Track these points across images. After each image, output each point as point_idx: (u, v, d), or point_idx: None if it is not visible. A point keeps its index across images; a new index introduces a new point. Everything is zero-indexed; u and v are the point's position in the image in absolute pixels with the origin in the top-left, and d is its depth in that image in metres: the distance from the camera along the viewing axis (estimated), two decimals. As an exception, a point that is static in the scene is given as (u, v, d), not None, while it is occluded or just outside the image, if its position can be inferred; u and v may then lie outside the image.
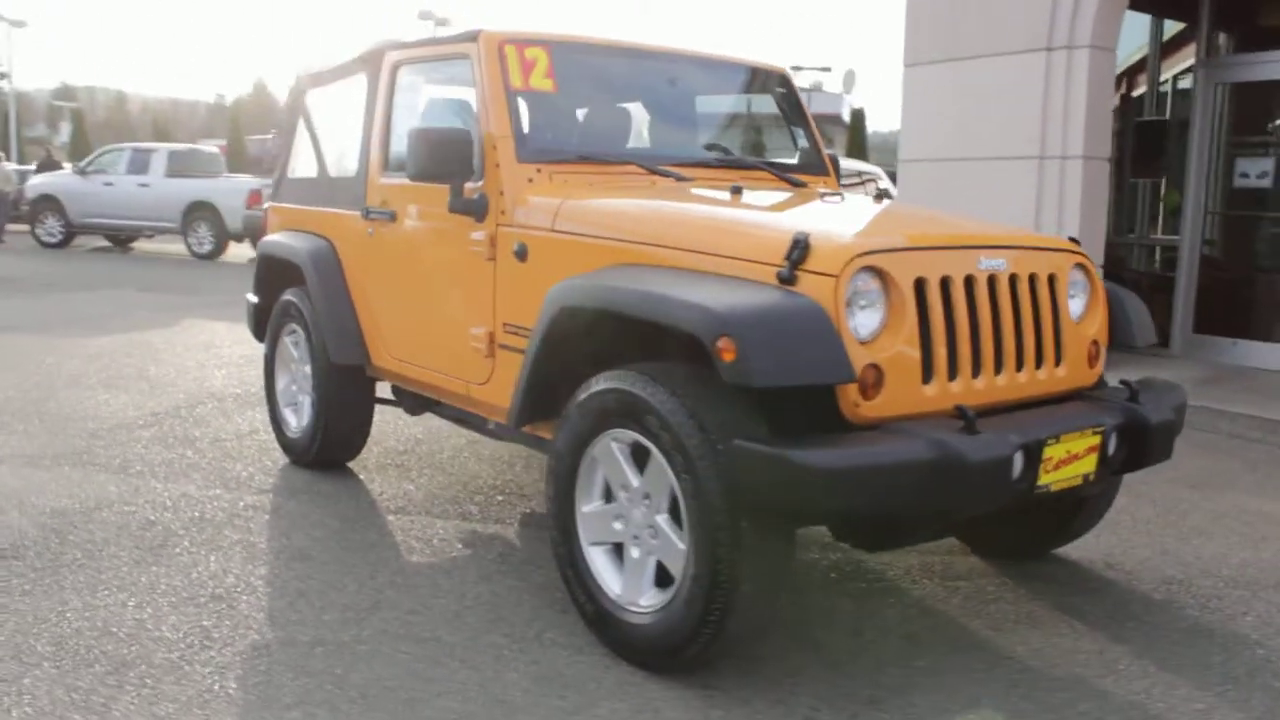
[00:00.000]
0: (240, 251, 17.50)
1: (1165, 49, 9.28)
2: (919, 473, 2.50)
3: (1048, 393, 3.09)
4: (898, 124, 8.68)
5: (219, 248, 16.49)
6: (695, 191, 3.41)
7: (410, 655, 2.89)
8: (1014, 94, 7.40)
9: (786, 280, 2.64)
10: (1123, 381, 3.21)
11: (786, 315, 2.53)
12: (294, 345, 4.79)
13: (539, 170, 3.49)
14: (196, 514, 4.05)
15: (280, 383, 4.90)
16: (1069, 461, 2.84)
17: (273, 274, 4.94)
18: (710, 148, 4.23)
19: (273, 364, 4.92)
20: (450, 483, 4.59)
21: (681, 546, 2.70)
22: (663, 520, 2.79)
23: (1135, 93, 9.69)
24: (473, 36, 3.68)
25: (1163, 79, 9.36)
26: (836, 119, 38.31)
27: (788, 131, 4.33)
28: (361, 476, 4.66)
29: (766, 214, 3.05)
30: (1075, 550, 3.86)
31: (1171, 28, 9.14)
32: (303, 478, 4.57)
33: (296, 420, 4.78)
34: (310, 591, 3.32)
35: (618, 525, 2.95)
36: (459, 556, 3.68)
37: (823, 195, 3.40)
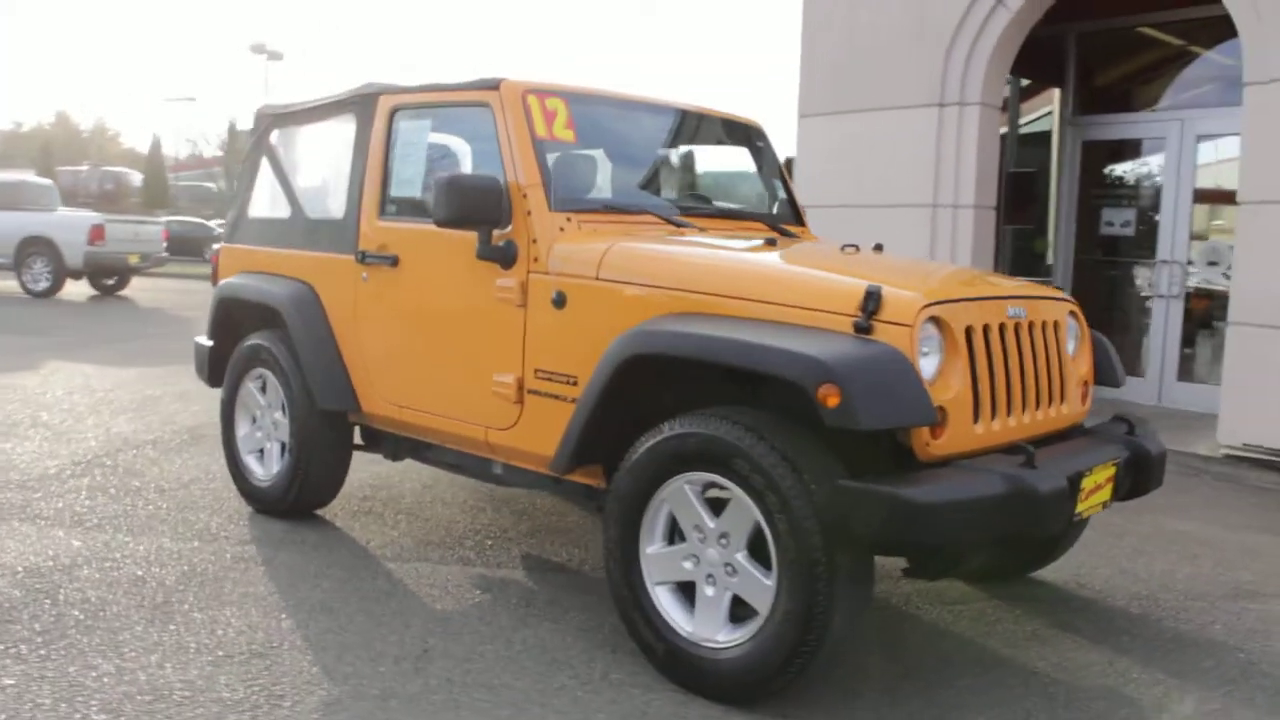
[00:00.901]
0: (78, 289, 16.47)
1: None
2: (1000, 504, 2.72)
3: (1055, 429, 3.40)
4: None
5: (56, 284, 15.44)
6: (732, 243, 3.57)
7: (490, 703, 2.89)
8: (908, 146, 7.93)
9: (863, 330, 2.82)
10: (1118, 417, 3.56)
11: (881, 363, 2.71)
12: (259, 391, 4.64)
13: (569, 219, 3.56)
14: (185, 568, 3.87)
15: (241, 429, 4.73)
16: (1095, 491, 3.13)
17: (234, 318, 4.77)
18: (697, 198, 4.41)
19: (232, 410, 4.74)
20: (431, 528, 4.54)
21: (768, 583, 2.82)
22: (742, 558, 2.91)
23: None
24: (493, 85, 3.73)
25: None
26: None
27: (763, 182, 4.54)
28: (339, 525, 4.54)
29: (824, 267, 3.23)
30: (1045, 573, 4.19)
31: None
32: (278, 528, 4.42)
33: (264, 468, 4.62)
34: (351, 644, 3.24)
35: (687, 565, 3.04)
36: (483, 602, 3.66)
37: (843, 248, 3.62)
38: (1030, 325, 3.27)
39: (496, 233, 3.57)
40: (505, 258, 3.56)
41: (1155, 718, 2.98)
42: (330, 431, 4.37)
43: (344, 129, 4.38)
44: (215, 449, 5.84)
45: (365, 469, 5.39)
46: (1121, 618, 3.79)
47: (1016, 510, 2.75)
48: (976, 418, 3.00)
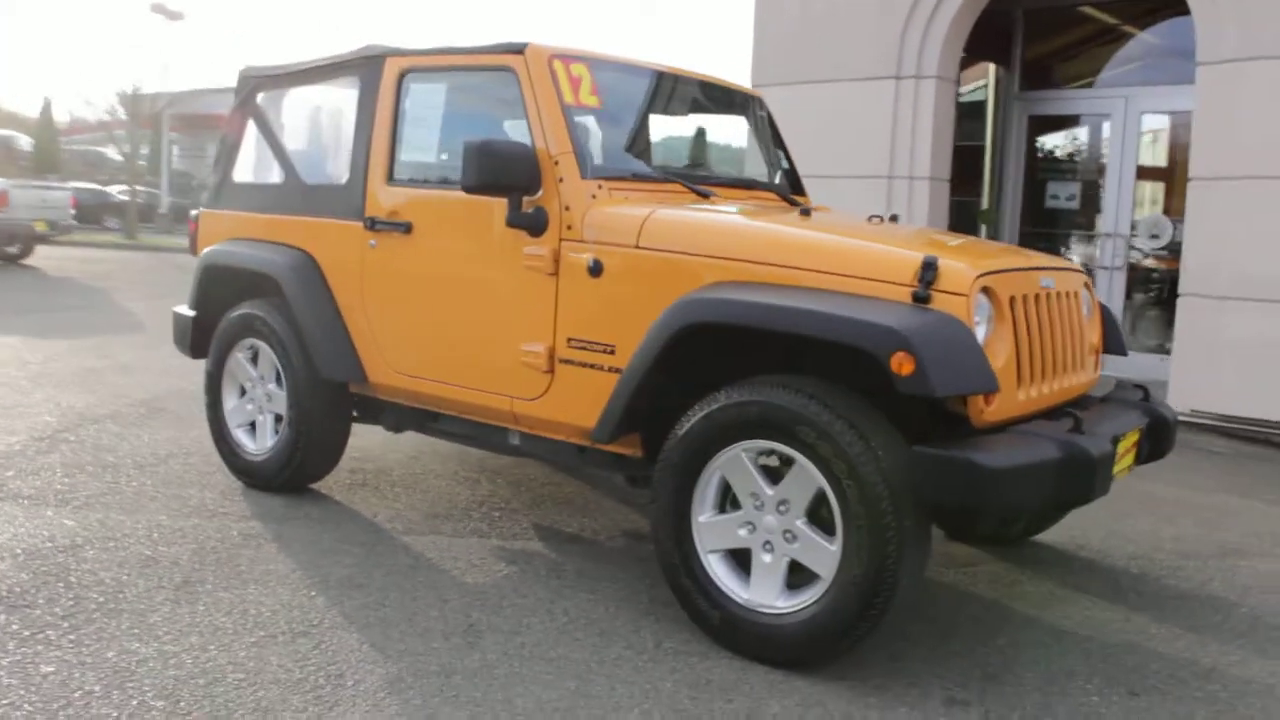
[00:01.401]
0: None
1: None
2: (1058, 468, 2.80)
3: (1076, 395, 3.50)
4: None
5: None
6: (769, 212, 3.56)
7: (554, 674, 2.86)
8: (863, 117, 8.03)
9: (922, 299, 2.85)
10: (1134, 384, 3.69)
11: (949, 332, 2.75)
12: (249, 362, 4.48)
13: (600, 186, 3.51)
14: (193, 547, 3.73)
15: (229, 403, 4.56)
16: (1124, 455, 3.24)
17: (220, 286, 4.59)
18: (709, 166, 4.40)
19: (219, 383, 4.57)
20: (433, 501, 4.46)
21: (832, 548, 2.86)
22: (802, 524, 2.94)
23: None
24: (518, 49, 3.64)
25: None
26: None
27: (769, 152, 4.55)
28: (337, 499, 4.43)
29: (870, 237, 3.25)
30: (1043, 535, 4.33)
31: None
32: (276, 503, 4.29)
33: (256, 442, 4.47)
34: (393, 620, 3.18)
35: (743, 532, 3.05)
36: (511, 574, 3.62)
37: (870, 217, 3.65)
38: (1058, 295, 3.36)
39: (526, 200, 3.51)
40: (535, 225, 3.50)
41: (1187, 669, 3.11)
42: (331, 403, 4.25)
43: (344, 92, 4.23)
44: (179, 423, 5.66)
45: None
46: (1125, 577, 3.94)
47: (1073, 474, 2.83)
48: (1019, 384, 3.07)
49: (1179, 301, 6.65)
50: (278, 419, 4.41)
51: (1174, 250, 7.77)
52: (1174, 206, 8.20)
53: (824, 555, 2.89)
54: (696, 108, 4.38)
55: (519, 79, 3.62)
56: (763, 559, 3.02)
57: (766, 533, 3.01)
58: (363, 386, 4.20)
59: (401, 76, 3.99)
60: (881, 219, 3.68)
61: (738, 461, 3.02)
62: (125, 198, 25.55)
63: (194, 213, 4.91)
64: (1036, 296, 3.21)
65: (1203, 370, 6.53)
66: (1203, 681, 3.04)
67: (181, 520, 4.02)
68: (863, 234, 3.29)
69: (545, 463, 5.13)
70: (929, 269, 2.87)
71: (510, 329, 3.63)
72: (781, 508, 2.97)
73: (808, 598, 2.93)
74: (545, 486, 4.80)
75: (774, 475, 3.02)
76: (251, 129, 4.64)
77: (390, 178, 3.99)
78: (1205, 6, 6.44)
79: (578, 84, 3.67)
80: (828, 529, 2.90)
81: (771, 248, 3.14)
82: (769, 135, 4.56)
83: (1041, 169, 8.84)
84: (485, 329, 3.71)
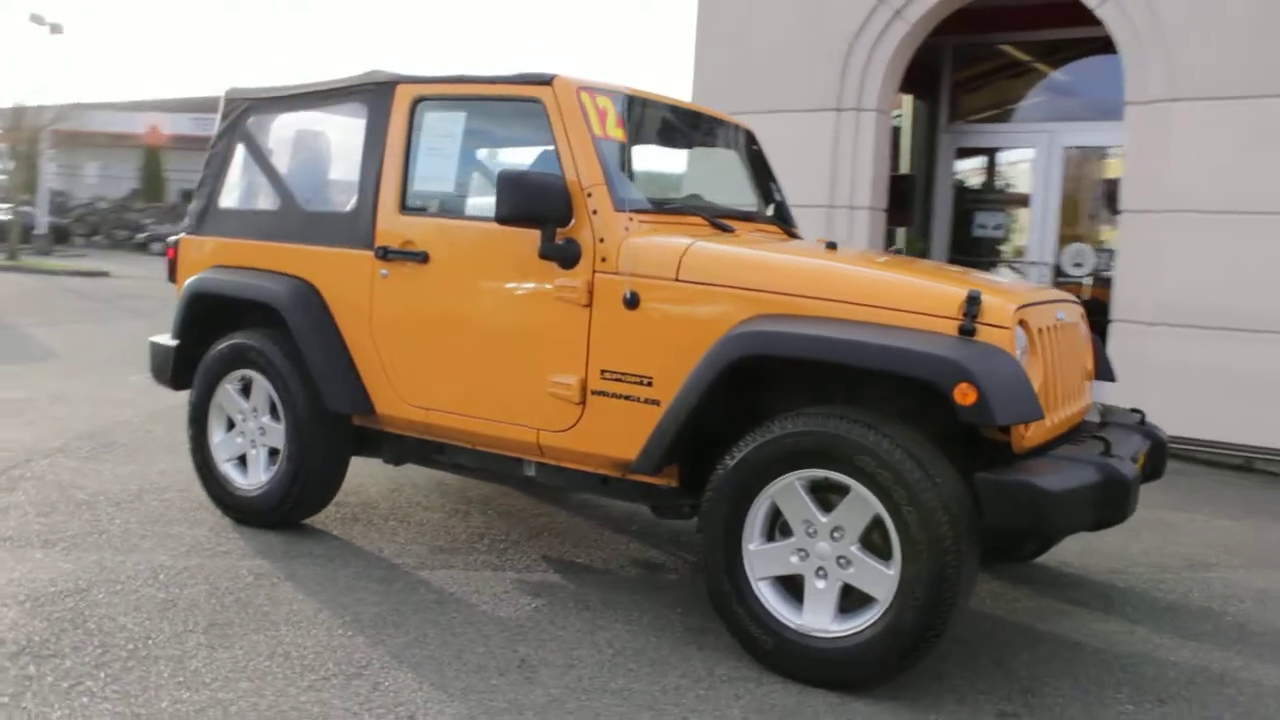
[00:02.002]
0: None
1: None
2: (1101, 491, 2.96)
3: (1079, 420, 3.70)
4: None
5: None
6: (799, 246, 3.65)
7: (625, 707, 2.87)
8: (804, 148, 8.24)
9: (968, 332, 2.99)
10: (1132, 409, 3.91)
11: (1003, 363, 2.89)
12: (241, 394, 4.35)
13: (630, 218, 3.56)
14: (206, 587, 3.60)
15: (215, 436, 4.41)
16: (1137, 476, 3.44)
17: (208, 315, 4.45)
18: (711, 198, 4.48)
19: (205, 415, 4.42)
20: (433, 534, 4.41)
21: (889, 572, 2.95)
22: (856, 550, 3.02)
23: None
24: (545, 80, 3.66)
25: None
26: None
27: (763, 185, 4.65)
28: (336, 534, 4.33)
29: (907, 271, 3.37)
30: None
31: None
32: (275, 540, 4.17)
33: (248, 476, 4.34)
34: (441, 658, 3.13)
35: (794, 559, 3.12)
36: (542, 607, 3.60)
37: (889, 249, 3.79)
38: (1067, 326, 3.55)
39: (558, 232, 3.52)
40: (567, 257, 3.52)
41: (1201, 676, 3.31)
42: (333, 436, 4.16)
43: (348, 118, 4.18)
44: (137, 456, 5.45)
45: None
46: (1113, 590, 4.16)
47: (1113, 496, 3.00)
48: (1047, 412, 3.23)
49: (1111, 327, 7.03)
50: (272, 453, 4.30)
51: (1097, 277, 8.21)
52: (1091, 235, 8.67)
53: (881, 579, 2.98)
54: (698, 140, 4.46)
55: (547, 110, 3.64)
56: (816, 585, 3.10)
57: (820, 559, 3.08)
58: (367, 419, 4.13)
59: (415, 104, 3.96)
60: (834, 244, 3.79)
61: (791, 490, 3.09)
62: (7, 217, 24.27)
63: (172, 239, 4.74)
64: (1053, 328, 3.38)
65: (1131, 392, 6.89)
66: (1219, 686, 3.24)
67: (183, 560, 3.87)
68: (897, 268, 3.42)
69: (531, 493, 5.12)
70: (973, 303, 3.01)
71: (538, 361, 3.63)
72: (835, 534, 3.06)
73: (863, 621, 3.01)
74: (536, 517, 4.78)
75: (823, 503, 3.10)
76: (240, 153, 4.52)
77: (403, 206, 3.95)
78: (1133, 51, 6.86)
79: (604, 116, 3.71)
80: (880, 553, 3.00)
81: (815, 282, 3.23)
82: (762, 167, 4.67)
83: (969, 199, 9.24)
84: (510, 361, 3.70)
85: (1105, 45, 7.82)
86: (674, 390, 3.35)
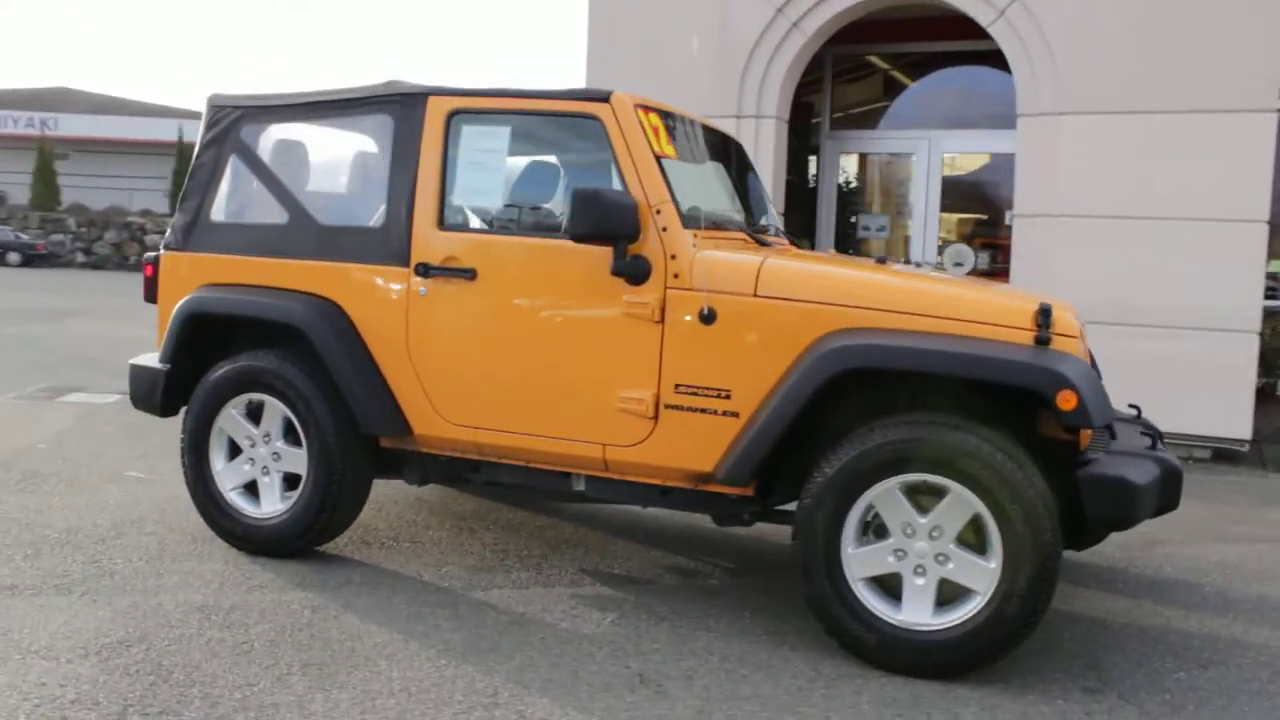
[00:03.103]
0: None
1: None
2: (1164, 481, 3.29)
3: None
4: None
5: None
6: (857, 261, 3.82)
7: (768, 711, 2.96)
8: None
9: (1044, 341, 3.25)
10: (1130, 405, 4.31)
11: (1086, 370, 3.16)
12: (245, 419, 4.12)
13: (695, 235, 3.63)
14: (268, 625, 3.41)
15: (217, 464, 4.16)
16: (1153, 465, 3.82)
17: (205, 337, 4.18)
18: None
19: (205, 443, 4.16)
20: (458, 553, 4.32)
21: (991, 566, 3.17)
22: (955, 547, 3.23)
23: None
24: (602, 97, 3.68)
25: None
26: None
27: (759, 196, 4.79)
28: (358, 558, 4.18)
29: (978, 286, 3.60)
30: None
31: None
32: (304, 569, 3.98)
33: (261, 505, 4.11)
34: (560, 680, 3.11)
35: (891, 559, 3.30)
36: (618, 620, 3.62)
37: (917, 264, 4.02)
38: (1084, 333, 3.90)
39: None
40: (638, 273, 3.56)
41: (1219, 642, 3.71)
42: (362, 459, 4.02)
43: (369, 129, 4.04)
44: (76, 486, 5.16)
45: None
46: (1103, 570, 4.54)
47: (1172, 486, 3.35)
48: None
49: (1006, 322, 7.59)
50: (287, 479, 4.10)
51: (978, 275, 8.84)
52: (971, 236, 9.33)
53: (981, 573, 3.19)
54: (711, 153, 4.56)
55: (606, 127, 3.66)
56: (915, 582, 3.28)
57: (918, 557, 3.27)
58: (398, 440, 4.01)
59: (450, 117, 3.87)
60: (885, 259, 4.03)
61: (891, 494, 3.26)
62: None
63: (150, 254, 4.42)
64: (1081, 333, 3.71)
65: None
66: (1240, 650, 3.63)
67: (222, 597, 3.65)
68: (963, 283, 3.65)
69: (520, 506, 5.10)
70: (1046, 314, 3.27)
71: (605, 376, 3.65)
72: (934, 533, 3.25)
73: (964, 613, 3.22)
74: (542, 530, 4.76)
75: (915, 504, 3.28)
76: (235, 163, 4.26)
77: (441, 222, 3.86)
78: (1023, 66, 7.44)
79: (657, 133, 3.76)
80: (976, 549, 3.22)
81: (893, 296, 3.41)
82: (755, 177, 4.82)
83: (853, 202, 9.72)
84: (573, 377, 3.69)
85: (985, 58, 8.44)
86: (753, 402, 3.47)
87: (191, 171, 4.33)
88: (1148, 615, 3.97)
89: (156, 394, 4.27)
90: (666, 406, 3.59)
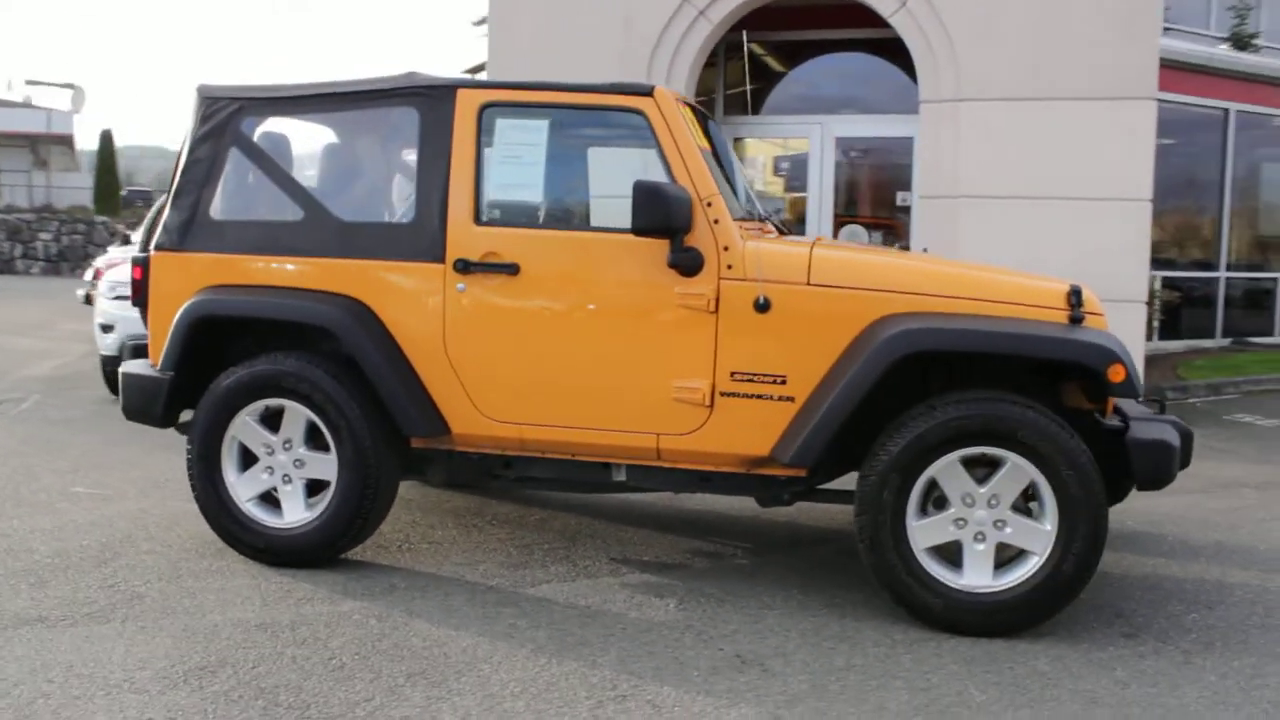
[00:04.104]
0: None
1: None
2: (1184, 443, 3.64)
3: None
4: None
5: None
6: (887, 249, 3.99)
7: (873, 679, 3.12)
8: (616, 139, 8.53)
9: (1078, 320, 3.54)
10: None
11: (1121, 345, 3.45)
12: (262, 425, 3.94)
13: (740, 225, 3.73)
14: (345, 639, 3.31)
15: (229, 475, 3.96)
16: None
17: (212, 341, 3.96)
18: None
19: (216, 453, 3.95)
20: (482, 551, 4.27)
21: (1046, 528, 3.43)
22: (1012, 514, 3.47)
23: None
24: (645, 91, 3.72)
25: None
26: (68, 139, 35.45)
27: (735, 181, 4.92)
28: (384, 562, 4.07)
29: (1004, 270, 3.84)
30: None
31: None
32: (337, 578, 3.86)
33: (284, 514, 3.95)
34: (671, 667, 3.17)
35: (952, 528, 3.51)
36: (680, 605, 3.69)
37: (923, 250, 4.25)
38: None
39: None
40: (692, 265, 3.63)
41: (1212, 586, 4.12)
42: (393, 461, 3.93)
43: (391, 123, 3.93)
44: (36, 505, 4.74)
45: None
46: (1151, 552, 4.81)
47: (1189, 447, 3.70)
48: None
49: (914, 298, 8.03)
50: (310, 486, 3.96)
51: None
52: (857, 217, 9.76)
53: (1038, 535, 3.45)
54: (714, 143, 4.63)
55: (650, 121, 3.70)
56: (975, 548, 3.51)
57: (977, 525, 3.49)
58: (434, 440, 3.93)
59: (482, 110, 3.81)
60: (907, 246, 4.28)
61: (953, 467, 3.47)
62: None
63: (139, 256, 4.13)
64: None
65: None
66: (1228, 590, 4.04)
67: (278, 613, 3.50)
68: (988, 268, 3.89)
69: (506, 498, 5.07)
70: (1077, 295, 3.56)
71: (659, 367, 3.70)
72: (992, 502, 3.48)
73: (1023, 573, 3.47)
74: (546, 522, 4.76)
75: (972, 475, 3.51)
76: (236, 158, 4.02)
77: (478, 217, 3.80)
78: (924, 54, 7.86)
79: (691, 126, 3.83)
80: (1030, 514, 3.48)
81: (940, 282, 3.63)
82: (738, 165, 4.94)
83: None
84: (627, 369, 3.73)
85: (878, 46, 8.84)
86: (808, 387, 3.62)
87: (184, 167, 4.07)
88: (1135, 565, 4.36)
89: (158, 404, 4.02)
90: (722, 394, 3.68)
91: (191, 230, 4.05)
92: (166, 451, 6.04)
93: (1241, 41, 14.13)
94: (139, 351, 7.84)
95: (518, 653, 3.26)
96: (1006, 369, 3.68)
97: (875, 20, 8.14)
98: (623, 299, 3.73)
